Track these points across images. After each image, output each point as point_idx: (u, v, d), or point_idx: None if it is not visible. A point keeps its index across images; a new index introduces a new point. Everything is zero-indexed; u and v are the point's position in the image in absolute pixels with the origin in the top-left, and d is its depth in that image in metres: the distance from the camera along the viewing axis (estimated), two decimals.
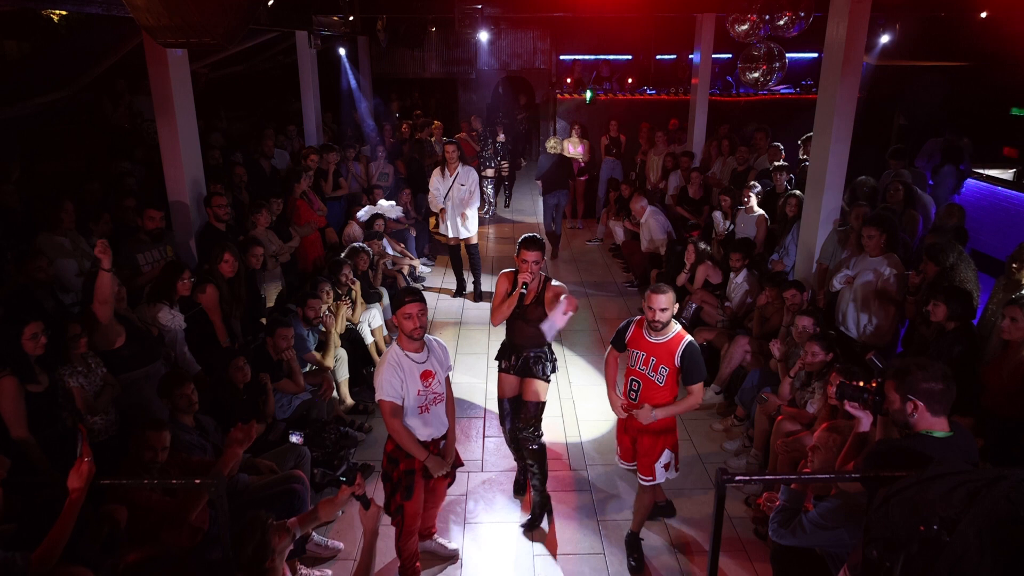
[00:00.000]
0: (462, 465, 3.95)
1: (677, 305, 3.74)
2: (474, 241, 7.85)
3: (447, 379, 3.68)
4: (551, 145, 9.44)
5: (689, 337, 3.73)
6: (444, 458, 3.61)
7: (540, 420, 4.30)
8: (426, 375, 3.48)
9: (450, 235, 7.83)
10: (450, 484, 3.95)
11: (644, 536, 4.19)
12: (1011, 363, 3.73)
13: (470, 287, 8.18)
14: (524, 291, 4.02)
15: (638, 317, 3.86)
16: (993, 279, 4.94)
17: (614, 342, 3.93)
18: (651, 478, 3.89)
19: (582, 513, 4.50)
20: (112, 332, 4.08)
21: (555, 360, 4.32)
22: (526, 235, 4.10)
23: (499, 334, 4.53)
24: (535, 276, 4.05)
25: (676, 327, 3.74)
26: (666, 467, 3.88)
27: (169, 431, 3.39)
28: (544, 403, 4.29)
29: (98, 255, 3.85)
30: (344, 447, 4.89)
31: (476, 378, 6.25)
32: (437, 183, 7.58)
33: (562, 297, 3.98)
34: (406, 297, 3.39)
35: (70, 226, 5.02)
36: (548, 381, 4.28)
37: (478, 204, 7.77)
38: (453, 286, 8.30)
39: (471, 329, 7.36)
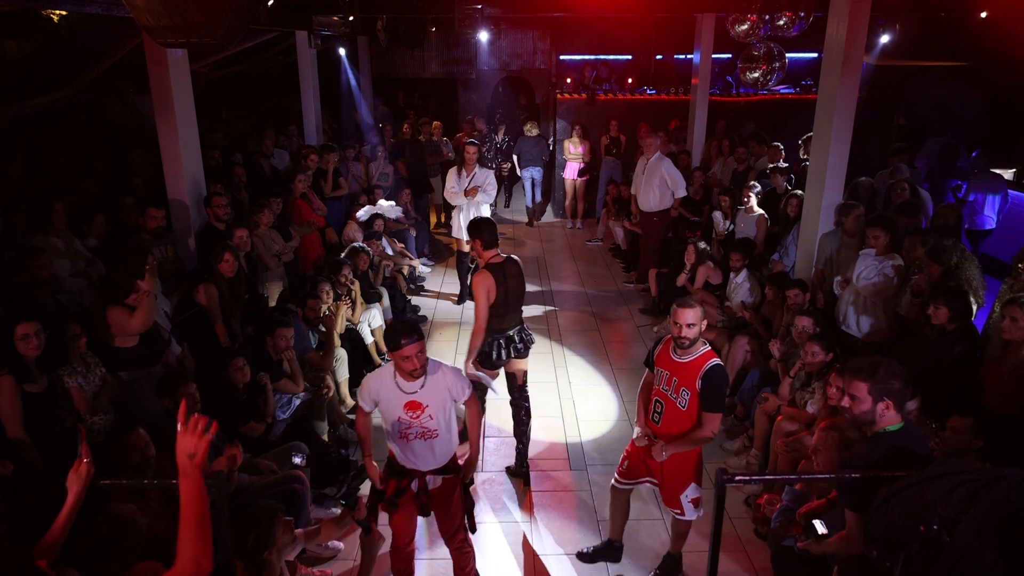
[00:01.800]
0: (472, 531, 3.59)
1: (705, 322, 3.49)
2: None
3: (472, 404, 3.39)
4: (527, 128, 10.72)
5: (716, 360, 3.43)
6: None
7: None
8: (412, 406, 3.18)
9: (463, 237, 7.79)
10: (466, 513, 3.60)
11: (652, 542, 4.17)
12: (1011, 363, 3.73)
13: None
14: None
15: (668, 336, 3.60)
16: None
17: (646, 361, 3.74)
18: (679, 511, 3.67)
19: (582, 513, 4.50)
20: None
21: (492, 350, 4.59)
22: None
23: None
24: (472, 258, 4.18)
25: (704, 347, 3.47)
26: (694, 503, 3.63)
27: (141, 428, 3.35)
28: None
29: (144, 286, 3.98)
30: (344, 470, 4.75)
31: None
32: (454, 183, 7.55)
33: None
34: (402, 339, 3.03)
35: (62, 226, 5.01)
36: (491, 368, 4.56)
37: (489, 202, 7.75)
38: (453, 286, 8.28)
39: (471, 329, 7.32)
